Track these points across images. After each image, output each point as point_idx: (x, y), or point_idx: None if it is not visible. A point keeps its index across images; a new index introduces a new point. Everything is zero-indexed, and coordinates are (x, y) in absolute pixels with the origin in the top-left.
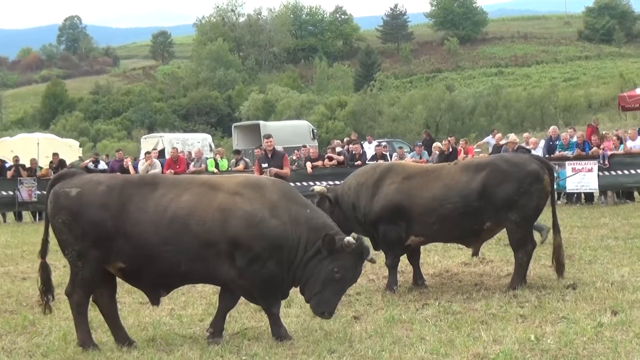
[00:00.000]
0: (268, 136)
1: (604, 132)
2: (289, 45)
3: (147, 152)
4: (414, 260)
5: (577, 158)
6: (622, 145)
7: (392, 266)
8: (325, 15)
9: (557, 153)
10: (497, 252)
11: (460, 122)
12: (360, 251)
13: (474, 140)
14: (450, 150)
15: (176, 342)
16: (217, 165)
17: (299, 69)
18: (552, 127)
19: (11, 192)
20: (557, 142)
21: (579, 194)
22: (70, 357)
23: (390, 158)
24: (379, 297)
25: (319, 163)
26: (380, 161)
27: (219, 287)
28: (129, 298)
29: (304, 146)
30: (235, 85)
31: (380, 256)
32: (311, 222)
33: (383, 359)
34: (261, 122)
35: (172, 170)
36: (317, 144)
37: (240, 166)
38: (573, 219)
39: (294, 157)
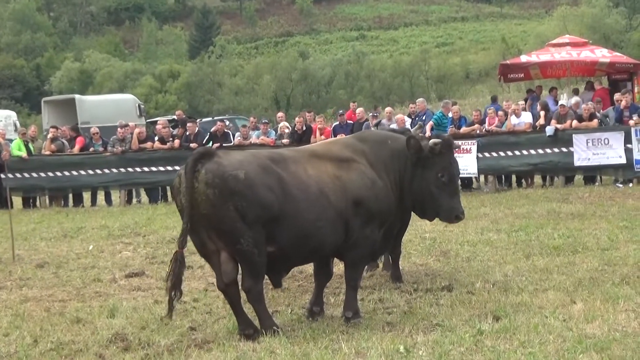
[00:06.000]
0: None
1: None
2: (110, 3)
3: None
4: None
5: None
6: None
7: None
8: None
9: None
10: None
11: (316, 95)
12: (448, 144)
13: (332, 117)
14: (304, 129)
15: None
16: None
17: (122, 33)
18: (419, 100)
19: None
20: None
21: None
22: None
23: (233, 138)
24: (220, 304)
25: (148, 145)
26: None
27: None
28: None
29: (126, 125)
30: (45, 52)
31: None
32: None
33: None
34: (77, 96)
35: None
36: (144, 122)
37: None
38: None
39: (118, 137)
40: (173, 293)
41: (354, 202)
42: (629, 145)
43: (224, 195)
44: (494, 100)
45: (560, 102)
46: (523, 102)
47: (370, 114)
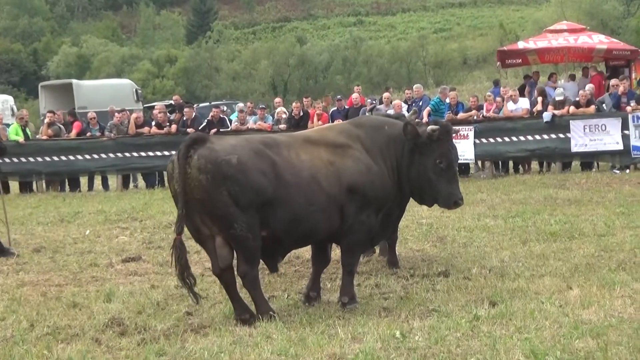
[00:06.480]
0: None
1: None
2: None
3: None
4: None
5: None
6: None
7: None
8: None
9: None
10: None
11: (313, 80)
12: (446, 130)
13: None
14: (302, 114)
15: None
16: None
17: (119, 17)
18: (416, 86)
19: None
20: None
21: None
22: None
23: (230, 123)
24: (216, 289)
25: (145, 130)
26: None
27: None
28: None
29: (123, 110)
30: (43, 37)
31: None
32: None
33: None
34: (74, 81)
35: None
36: (141, 107)
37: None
38: None
39: (115, 123)
40: (187, 280)
41: (348, 187)
42: (626, 132)
43: (216, 180)
44: (496, 84)
45: (557, 98)
46: (540, 98)
47: (369, 100)
